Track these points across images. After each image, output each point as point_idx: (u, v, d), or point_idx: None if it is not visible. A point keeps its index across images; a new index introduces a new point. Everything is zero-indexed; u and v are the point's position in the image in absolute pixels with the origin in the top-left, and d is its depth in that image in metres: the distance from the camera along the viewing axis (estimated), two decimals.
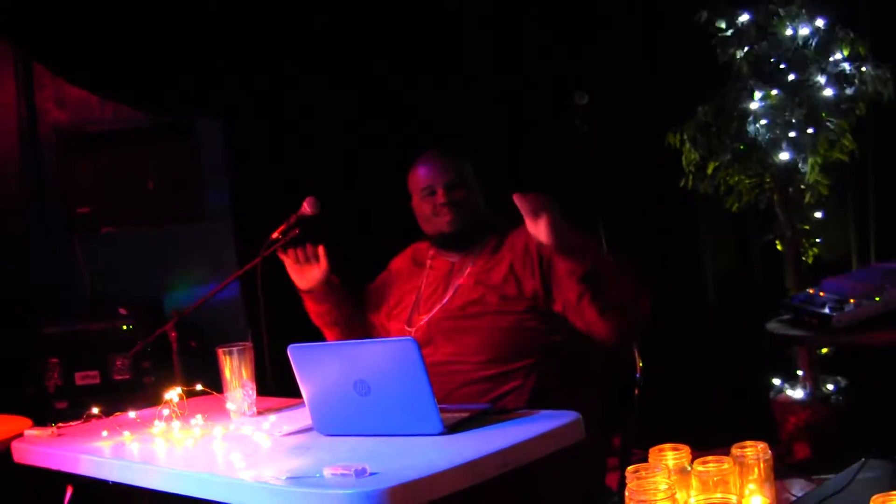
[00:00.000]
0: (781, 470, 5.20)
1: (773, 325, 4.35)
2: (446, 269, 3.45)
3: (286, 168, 5.87)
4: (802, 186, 5.42)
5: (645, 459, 2.19)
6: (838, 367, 5.52)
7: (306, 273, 3.49)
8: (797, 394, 5.43)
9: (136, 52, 5.79)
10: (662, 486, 1.79)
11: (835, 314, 3.86)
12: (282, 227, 3.53)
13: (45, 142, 6.33)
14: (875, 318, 3.87)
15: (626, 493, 1.93)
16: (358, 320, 3.61)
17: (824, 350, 5.47)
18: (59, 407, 5.51)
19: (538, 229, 2.94)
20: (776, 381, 5.60)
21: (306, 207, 3.51)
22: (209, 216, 6.28)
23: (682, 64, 5.88)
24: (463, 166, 3.45)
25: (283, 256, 3.50)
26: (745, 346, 5.81)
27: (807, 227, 5.59)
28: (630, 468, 2.01)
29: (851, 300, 3.90)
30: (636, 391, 3.40)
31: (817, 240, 5.62)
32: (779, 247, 5.64)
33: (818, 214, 5.59)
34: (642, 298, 3.15)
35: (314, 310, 3.60)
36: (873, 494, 1.73)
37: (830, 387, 5.42)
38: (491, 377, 3.16)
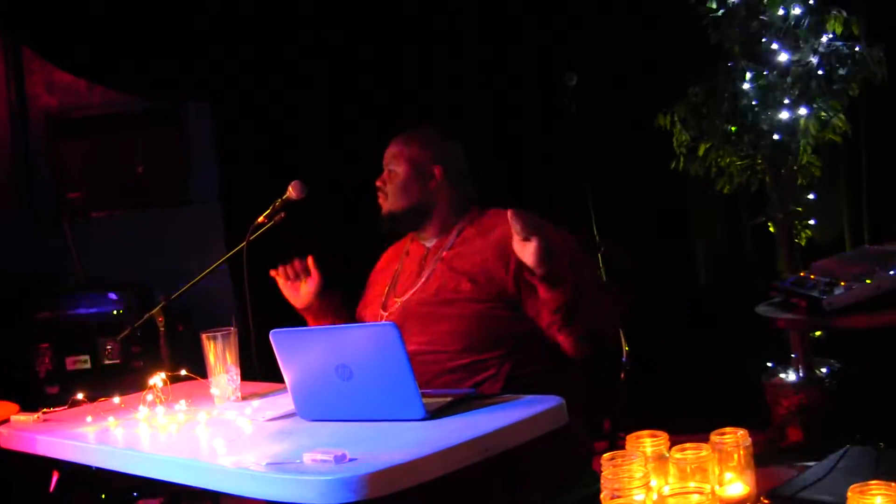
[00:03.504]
0: (773, 454, 5.20)
1: (763, 309, 4.32)
2: (421, 254, 3.43)
3: (274, 152, 5.86)
4: (795, 168, 5.39)
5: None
6: (831, 350, 5.50)
7: (300, 290, 3.46)
8: (790, 377, 5.41)
9: (124, 37, 5.79)
10: (638, 474, 1.78)
11: (825, 297, 3.83)
12: (267, 212, 3.50)
13: (35, 127, 6.32)
14: (866, 300, 3.84)
15: (601, 481, 1.92)
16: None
17: (817, 333, 5.45)
18: (51, 392, 5.51)
19: (525, 252, 2.86)
20: (769, 365, 5.58)
21: (291, 192, 3.48)
22: (198, 200, 6.28)
23: (673, 45, 5.84)
24: (410, 147, 3.41)
25: (274, 275, 3.47)
26: (736, 330, 5.78)
27: (799, 209, 5.55)
28: (606, 455, 1.99)
29: (842, 283, 3.87)
30: (622, 375, 3.39)
31: (810, 222, 5.58)
32: (771, 229, 5.61)
33: (811, 196, 5.57)
34: (617, 313, 3.14)
35: (311, 324, 3.57)
36: (853, 482, 1.72)
37: (824, 370, 5.40)
38: (465, 366, 3.11)
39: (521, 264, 3.00)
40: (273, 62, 5.93)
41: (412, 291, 3.32)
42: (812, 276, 4.08)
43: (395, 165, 3.40)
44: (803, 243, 5.56)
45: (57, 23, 5.82)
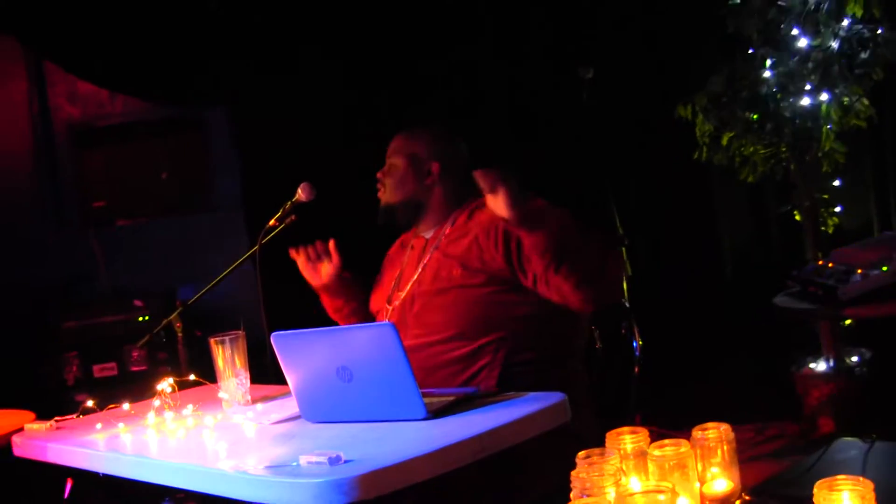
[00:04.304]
0: (803, 446, 5.13)
1: (781, 299, 4.27)
2: (421, 246, 3.46)
3: (295, 156, 5.86)
4: (819, 154, 5.32)
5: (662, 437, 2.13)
6: (861, 339, 5.42)
7: (319, 270, 3.50)
8: (820, 367, 5.34)
9: (143, 46, 5.81)
10: (611, 472, 1.75)
11: (840, 286, 3.78)
12: (278, 215, 3.51)
13: (59, 137, 6.38)
14: (881, 288, 3.78)
15: (571, 482, 1.89)
16: (363, 310, 3.63)
17: (847, 321, 5.38)
18: (79, 399, 5.53)
19: (497, 203, 2.90)
20: (798, 355, 5.51)
21: (301, 194, 3.50)
22: (221, 206, 6.30)
23: (691, 34, 5.79)
24: (410, 142, 3.47)
25: (294, 256, 3.51)
26: (764, 320, 5.72)
27: (825, 196, 5.48)
28: (581, 453, 1.97)
29: (858, 271, 3.81)
30: (636, 369, 3.36)
31: (836, 209, 5.51)
32: (797, 217, 5.54)
33: (836, 183, 5.49)
34: (611, 258, 3.12)
35: (330, 305, 3.65)
36: (839, 475, 1.69)
37: (854, 359, 5.33)
38: (460, 358, 3.12)
39: (508, 233, 3.03)
40: (290, 66, 5.94)
41: (411, 284, 3.35)
42: (830, 265, 4.02)
43: (394, 159, 3.47)
44: (830, 231, 5.48)
45: (77, 35, 5.86)
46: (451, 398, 2.69)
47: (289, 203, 3.51)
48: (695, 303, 5.76)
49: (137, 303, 5.72)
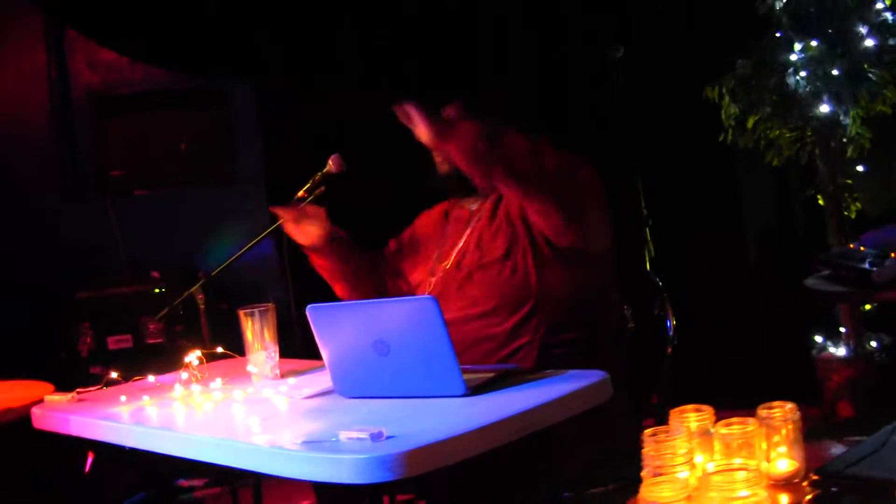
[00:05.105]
0: (824, 429, 5.11)
1: (811, 281, 4.21)
2: (465, 218, 3.42)
3: (319, 130, 5.81)
4: (844, 140, 5.28)
5: None
6: (882, 324, 5.39)
7: (304, 230, 3.45)
8: (840, 351, 5.32)
9: (165, 14, 5.74)
10: (682, 451, 1.71)
11: (874, 269, 3.72)
12: (307, 186, 3.46)
13: (78, 105, 6.32)
14: None
15: (642, 457, 1.85)
16: (370, 276, 3.57)
17: (867, 306, 5.35)
18: (93, 372, 5.49)
19: (420, 132, 2.98)
20: (818, 339, 5.48)
21: (332, 165, 3.45)
22: (242, 179, 6.25)
23: (720, 16, 5.73)
24: (473, 110, 3.36)
25: (279, 213, 3.44)
26: (786, 303, 5.68)
27: (849, 182, 5.44)
28: (648, 431, 1.92)
29: (893, 254, 3.76)
30: (669, 349, 3.32)
31: (860, 194, 5.47)
32: (820, 202, 5.50)
33: (860, 168, 5.45)
34: (579, 170, 3.09)
35: (319, 264, 3.57)
36: None
37: (874, 344, 5.30)
38: (500, 335, 3.09)
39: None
40: (315, 39, 5.88)
41: (454, 255, 3.31)
42: (861, 249, 3.97)
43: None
44: (853, 216, 5.45)
45: (98, 1, 5.81)
46: (490, 374, 2.64)
47: (319, 174, 3.46)
48: (717, 285, 5.72)
49: (154, 274, 5.66)
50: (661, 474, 1.66)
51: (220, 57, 6.02)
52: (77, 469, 3.20)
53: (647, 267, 5.08)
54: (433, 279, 3.34)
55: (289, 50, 5.94)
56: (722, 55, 5.47)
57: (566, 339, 3.06)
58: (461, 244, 3.30)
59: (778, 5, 5.23)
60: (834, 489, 1.66)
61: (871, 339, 5.31)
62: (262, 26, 5.85)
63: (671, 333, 3.32)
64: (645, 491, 1.65)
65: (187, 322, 5.38)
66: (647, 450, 1.80)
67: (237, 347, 3.21)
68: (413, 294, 3.48)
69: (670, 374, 3.31)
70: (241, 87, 6.32)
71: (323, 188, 3.45)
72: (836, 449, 4.82)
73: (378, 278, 3.58)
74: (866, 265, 3.75)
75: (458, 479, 2.61)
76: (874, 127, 5.27)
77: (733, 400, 3.25)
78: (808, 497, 1.63)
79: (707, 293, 5.64)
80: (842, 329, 5.36)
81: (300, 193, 3.47)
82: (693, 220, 5.88)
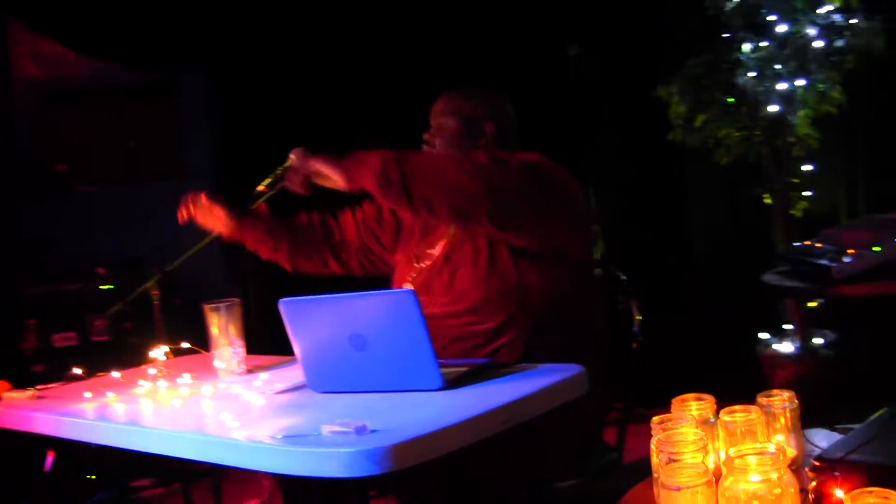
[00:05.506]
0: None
1: (769, 277, 4.27)
2: None
3: (267, 124, 5.76)
4: (792, 139, 5.35)
5: (643, 416, 2.11)
6: (828, 321, 5.46)
7: (213, 221, 3.47)
8: (786, 347, 5.38)
9: (113, 4, 5.66)
10: (691, 437, 1.71)
11: (834, 265, 3.78)
12: (268, 180, 3.41)
13: (21, 99, 6.20)
14: (874, 268, 3.79)
15: (653, 445, 1.85)
16: (309, 246, 3.56)
17: (813, 303, 5.42)
18: (36, 370, 5.39)
19: (335, 182, 3.00)
20: (765, 336, 5.54)
21: (294, 159, 3.37)
22: (190, 173, 6.18)
23: (672, 16, 5.78)
24: (463, 101, 3.36)
25: (184, 215, 3.47)
26: (733, 300, 5.75)
27: (796, 181, 5.51)
28: (655, 419, 1.93)
29: (850, 251, 3.82)
30: (634, 345, 3.33)
31: (807, 193, 5.53)
32: (767, 200, 5.56)
33: (808, 167, 5.51)
34: (530, 170, 3.03)
35: (247, 245, 3.57)
36: None
37: (820, 340, 5.37)
38: (484, 332, 3.05)
39: None
40: (268, 31, 5.83)
41: (441, 246, 3.24)
42: (819, 245, 4.03)
43: (444, 119, 3.34)
44: (799, 214, 5.52)
45: None
46: (465, 368, 2.64)
47: (280, 168, 3.41)
48: (664, 281, 5.76)
49: (100, 270, 5.58)
50: (675, 461, 1.66)
51: (168, 50, 5.94)
52: (36, 468, 3.14)
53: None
54: (419, 266, 3.27)
55: (240, 42, 5.87)
56: (673, 55, 5.51)
57: (549, 342, 3.02)
58: (450, 236, 3.24)
59: (728, 6, 5.27)
60: (836, 474, 1.67)
61: (817, 336, 5.38)
62: (212, 18, 5.77)
63: (636, 329, 3.32)
64: (664, 477, 1.65)
65: (136, 319, 5.31)
66: (659, 437, 1.80)
67: (192, 343, 3.17)
68: (390, 271, 3.44)
69: (637, 369, 3.32)
70: (189, 81, 6.24)
71: (284, 182, 3.41)
72: (818, 437, 4.87)
73: (326, 248, 3.57)
74: (826, 261, 3.81)
75: (437, 474, 2.59)
76: (821, 127, 5.35)
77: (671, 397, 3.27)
78: (813, 484, 1.64)
79: (652, 289, 5.67)
80: (788, 326, 5.42)
81: (260, 188, 3.41)
82: (641, 218, 5.92)
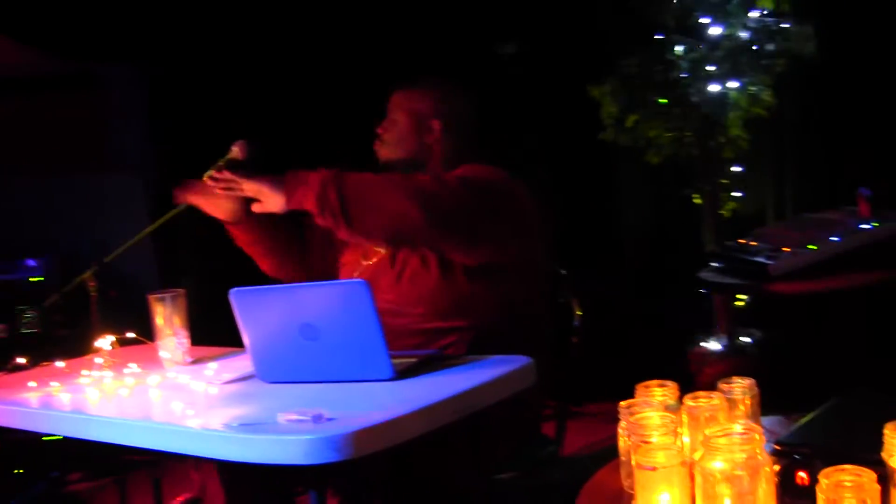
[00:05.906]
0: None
1: (706, 274, 4.35)
2: None
3: (204, 117, 5.73)
4: (723, 141, 5.43)
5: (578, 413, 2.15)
6: (756, 319, 5.55)
7: (217, 204, 3.33)
8: (713, 345, 5.46)
9: None
10: (660, 420, 1.76)
11: (771, 262, 3.87)
12: (209, 174, 3.37)
13: None
14: (809, 266, 3.89)
15: (620, 430, 1.89)
16: (297, 250, 3.51)
17: (740, 302, 5.50)
18: None
19: (275, 204, 2.93)
20: (692, 334, 5.62)
21: (237, 151, 3.32)
22: (120, 166, 6.12)
23: (606, 16, 5.84)
24: (412, 98, 3.35)
25: (182, 191, 3.34)
26: (660, 299, 5.83)
27: (725, 182, 5.60)
28: (623, 403, 1.97)
29: (786, 249, 3.91)
30: (574, 339, 3.37)
31: (736, 194, 5.63)
32: (697, 200, 5.65)
33: (738, 169, 5.61)
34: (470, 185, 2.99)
35: (241, 239, 3.47)
36: (856, 426, 1.75)
37: (747, 339, 5.46)
38: (430, 331, 3.06)
39: None
40: (204, 21, 5.80)
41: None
42: (753, 243, 4.12)
43: (396, 114, 3.34)
44: (728, 215, 5.61)
45: None
46: (414, 360, 2.66)
47: (221, 161, 3.36)
48: (592, 278, 5.80)
49: (30, 262, 5.51)
50: (645, 443, 1.71)
51: (96, 41, 5.87)
52: None
53: None
54: (366, 263, 3.26)
55: (173, 34, 5.83)
56: (607, 55, 5.56)
57: (495, 343, 2.95)
58: None
59: (662, 8, 5.34)
60: (797, 457, 1.73)
61: (744, 335, 5.46)
62: (145, 8, 5.73)
63: (577, 324, 3.37)
64: (639, 458, 1.69)
65: (67, 311, 5.25)
66: (630, 419, 1.84)
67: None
68: (339, 270, 3.42)
69: (577, 364, 3.36)
70: (115, 68, 6.16)
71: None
72: (774, 424, 4.95)
73: (307, 252, 3.51)
74: (763, 258, 3.90)
75: (387, 464, 2.62)
76: (751, 129, 5.44)
77: (608, 393, 3.30)
78: (777, 467, 1.69)
79: (581, 287, 5.73)
80: (715, 324, 5.50)
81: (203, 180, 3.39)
82: (572, 216, 5.97)
